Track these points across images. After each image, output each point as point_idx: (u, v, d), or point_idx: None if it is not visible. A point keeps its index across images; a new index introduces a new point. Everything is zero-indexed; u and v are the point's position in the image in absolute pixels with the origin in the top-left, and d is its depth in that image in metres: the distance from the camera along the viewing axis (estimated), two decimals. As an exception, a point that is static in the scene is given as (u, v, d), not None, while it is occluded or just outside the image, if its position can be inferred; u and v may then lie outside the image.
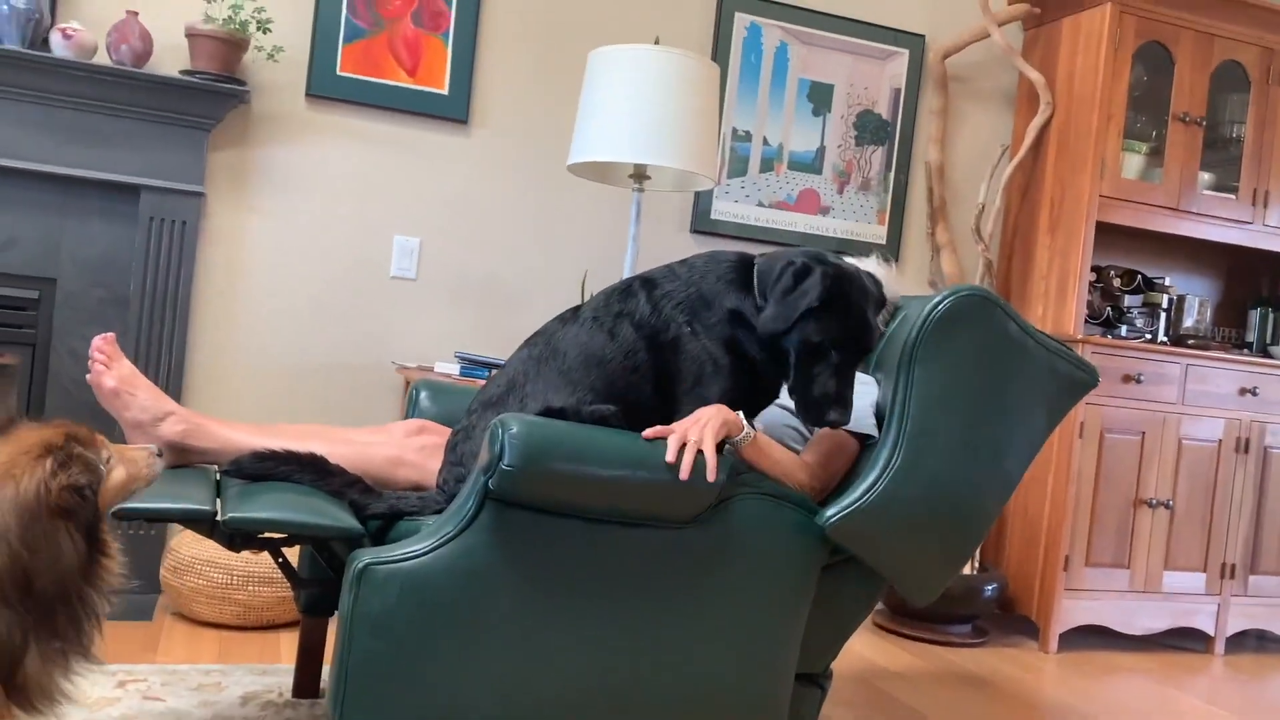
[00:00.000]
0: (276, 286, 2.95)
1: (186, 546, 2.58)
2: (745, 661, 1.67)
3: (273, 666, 2.32)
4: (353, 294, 3.01)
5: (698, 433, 1.57)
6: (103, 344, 1.82)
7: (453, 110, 3.05)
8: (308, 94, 2.93)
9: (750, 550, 1.66)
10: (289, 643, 2.51)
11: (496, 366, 2.53)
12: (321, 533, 1.58)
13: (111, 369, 1.81)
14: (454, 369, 2.57)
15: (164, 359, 2.77)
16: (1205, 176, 3.45)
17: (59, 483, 1.33)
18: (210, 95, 2.71)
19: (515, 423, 1.51)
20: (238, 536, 1.63)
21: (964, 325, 1.72)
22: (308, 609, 2.08)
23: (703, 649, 1.64)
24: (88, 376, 1.83)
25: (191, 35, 2.70)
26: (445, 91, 3.04)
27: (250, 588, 2.54)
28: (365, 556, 1.50)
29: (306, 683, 2.15)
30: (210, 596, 2.54)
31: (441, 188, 3.08)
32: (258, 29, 2.78)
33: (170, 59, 2.77)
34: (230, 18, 2.73)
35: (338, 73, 2.94)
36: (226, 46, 2.71)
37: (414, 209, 3.06)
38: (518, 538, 1.54)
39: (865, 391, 1.79)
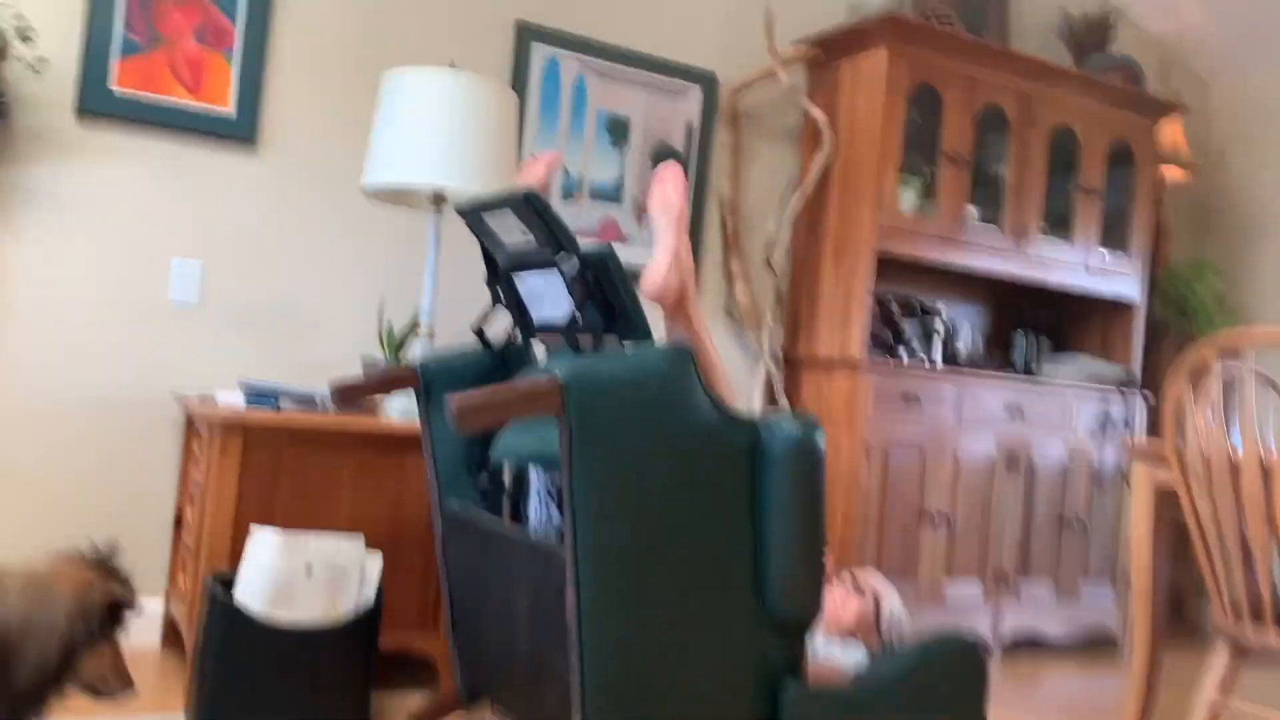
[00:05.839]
0: (44, 316, 2.74)
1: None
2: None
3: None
4: (130, 323, 2.83)
5: None
6: None
7: (239, 130, 2.93)
8: (78, 110, 2.75)
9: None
10: None
11: (288, 395, 2.42)
12: None
13: None
14: (237, 398, 2.45)
15: (-93, 395, 2.52)
16: (973, 210, 3.72)
17: (104, 591, 1.31)
18: (-37, 108, 2.50)
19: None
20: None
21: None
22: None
23: None
24: None
25: (-59, 43, 2.49)
26: (231, 111, 2.92)
27: None
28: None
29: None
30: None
31: (227, 211, 2.95)
32: (17, 38, 2.59)
33: (-84, 68, 2.55)
34: (-14, 26, 2.54)
35: (111, 88, 2.78)
36: (-18, 56, 2.52)
37: (197, 233, 2.91)
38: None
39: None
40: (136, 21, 2.80)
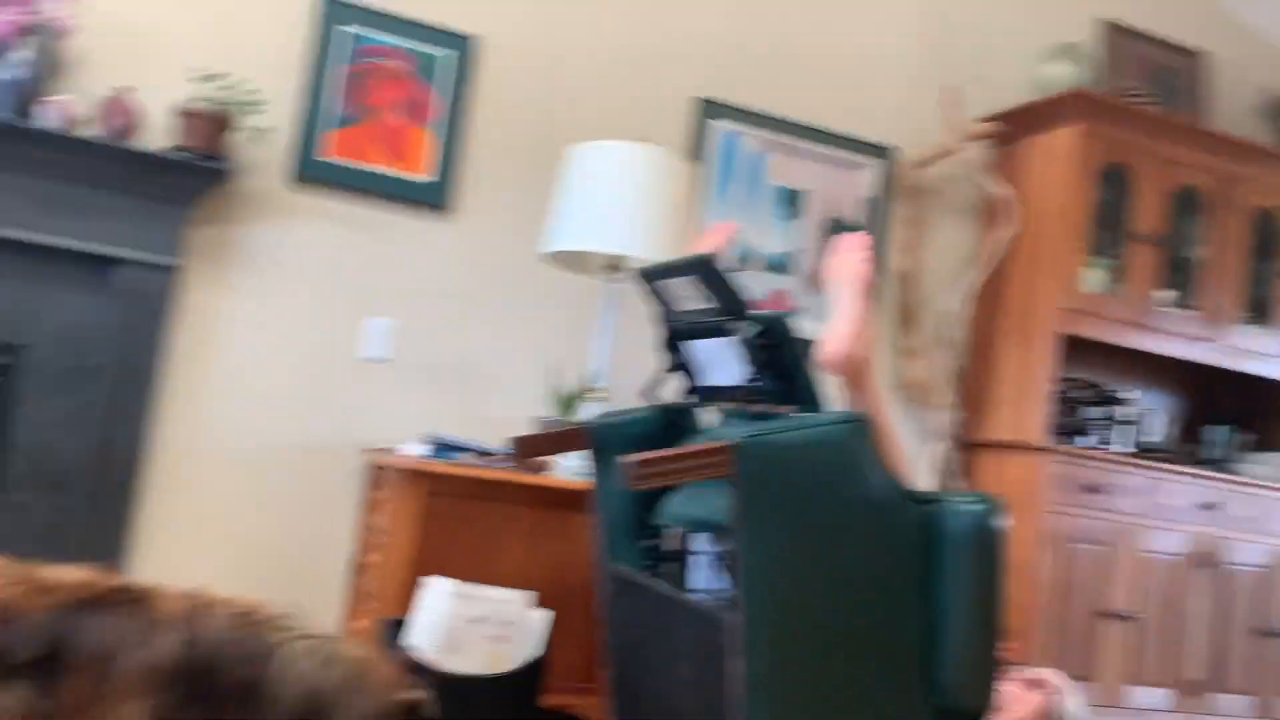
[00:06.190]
0: (249, 365, 2.94)
1: None
2: None
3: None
4: (325, 375, 3.01)
5: None
6: None
7: (434, 198, 3.10)
8: (292, 176, 2.97)
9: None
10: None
11: (468, 449, 2.51)
12: None
13: None
14: (421, 450, 2.55)
15: (126, 433, 2.74)
16: (1166, 294, 3.55)
17: (413, 695, 1.39)
18: (193, 171, 2.74)
19: None
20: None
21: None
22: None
23: None
24: None
25: (180, 113, 2.75)
26: (428, 179, 3.10)
27: None
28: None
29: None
30: None
31: (420, 272, 3.11)
32: (246, 110, 2.83)
33: (158, 135, 2.81)
34: (219, 98, 2.78)
35: (323, 157, 2.99)
36: (213, 125, 2.76)
37: (392, 292, 3.08)
38: None
39: None
40: (349, 96, 3.02)
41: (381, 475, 2.73)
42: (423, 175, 3.09)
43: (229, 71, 2.89)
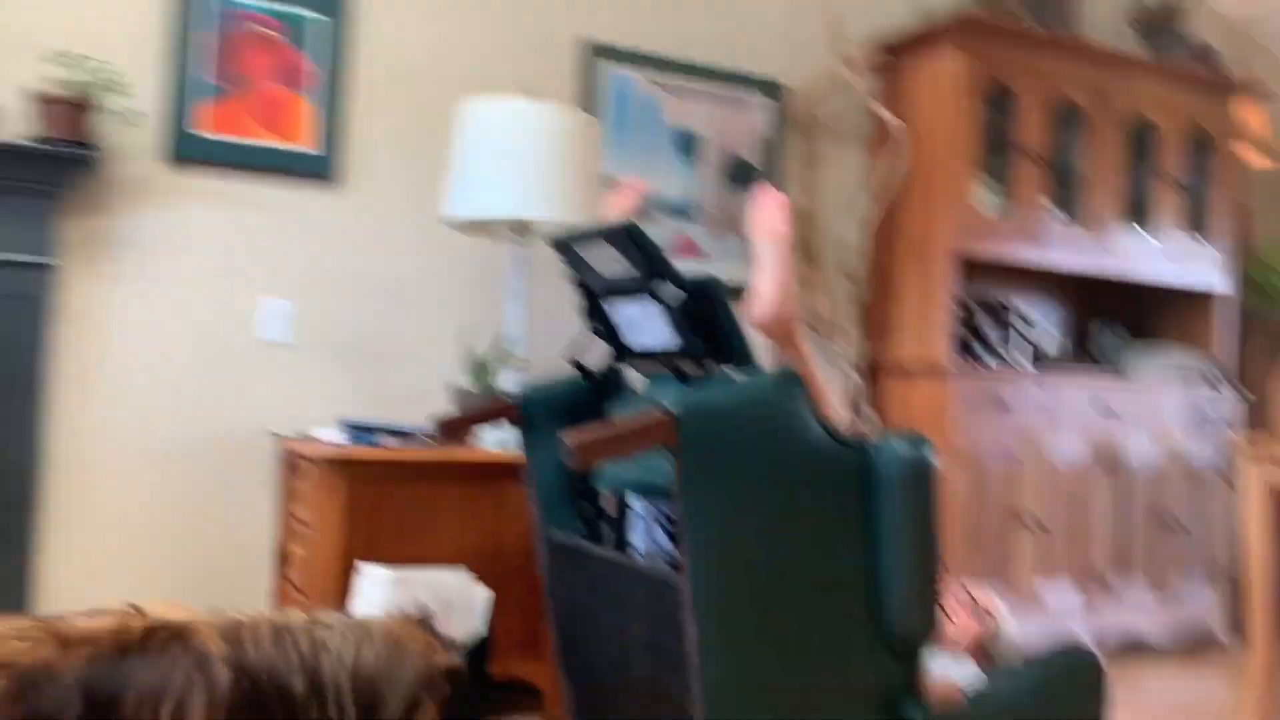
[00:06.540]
0: (142, 360, 2.79)
1: None
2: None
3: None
4: (225, 364, 2.88)
5: None
6: None
7: (321, 168, 2.97)
8: (166, 157, 2.80)
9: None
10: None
11: (387, 431, 2.45)
12: None
13: None
14: (335, 435, 2.48)
15: (16, 445, 2.58)
16: (1051, 206, 3.65)
17: (444, 660, 1.37)
18: (55, 160, 2.56)
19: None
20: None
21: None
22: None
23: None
24: None
25: (36, 98, 2.55)
26: (312, 149, 2.96)
27: None
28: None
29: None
30: None
31: (314, 248, 2.99)
32: (109, 91, 2.65)
33: (13, 124, 2.61)
34: (78, 79, 2.59)
35: (197, 134, 2.83)
36: (73, 110, 2.57)
37: (287, 272, 2.96)
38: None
39: None
40: (218, 66, 2.85)
41: (298, 464, 2.64)
42: (306, 146, 2.95)
43: (86, 49, 2.70)
